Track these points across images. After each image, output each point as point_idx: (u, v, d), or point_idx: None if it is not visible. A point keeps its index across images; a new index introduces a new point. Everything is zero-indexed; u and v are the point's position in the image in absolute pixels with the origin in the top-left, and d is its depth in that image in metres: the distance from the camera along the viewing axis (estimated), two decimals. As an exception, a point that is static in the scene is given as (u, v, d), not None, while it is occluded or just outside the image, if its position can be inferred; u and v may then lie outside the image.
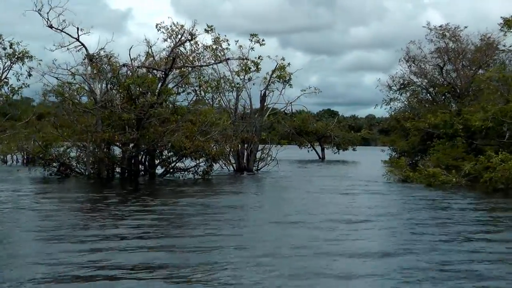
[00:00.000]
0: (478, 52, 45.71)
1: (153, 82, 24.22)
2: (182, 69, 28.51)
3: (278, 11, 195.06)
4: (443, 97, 48.52)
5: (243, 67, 33.43)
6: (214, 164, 25.82)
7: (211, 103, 32.56)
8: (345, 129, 63.46)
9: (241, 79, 33.69)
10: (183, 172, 26.05)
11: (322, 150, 59.98)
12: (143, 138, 23.84)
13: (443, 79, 48.69)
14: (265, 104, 33.80)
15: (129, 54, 26.11)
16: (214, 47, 31.37)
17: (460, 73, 47.01)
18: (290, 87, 34.45)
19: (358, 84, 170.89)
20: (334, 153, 59.82)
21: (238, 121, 32.02)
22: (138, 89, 24.93)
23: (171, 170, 26.00)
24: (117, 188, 21.90)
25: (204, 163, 25.92)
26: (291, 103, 34.15)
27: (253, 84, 33.88)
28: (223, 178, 27.70)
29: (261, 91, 33.61)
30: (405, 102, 48.85)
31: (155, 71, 26.90)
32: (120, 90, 24.81)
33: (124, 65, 25.28)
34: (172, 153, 25.39)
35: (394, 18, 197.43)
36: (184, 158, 25.73)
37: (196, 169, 25.75)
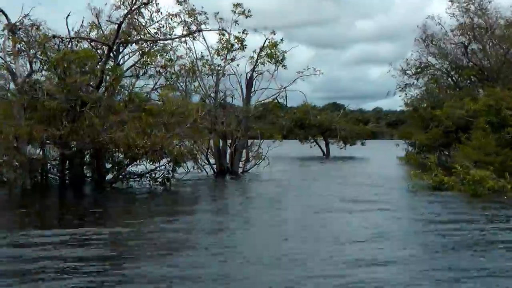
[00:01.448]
0: (510, 28, 38.88)
1: (89, 57, 17.58)
2: (141, 44, 21.98)
3: (283, 5, 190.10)
4: (468, 82, 41.55)
5: (224, 44, 26.75)
6: (177, 168, 19.15)
7: (184, 89, 25.89)
8: (352, 121, 56.50)
9: (222, 59, 27.06)
10: (137, 179, 19.49)
11: (327, 145, 53.13)
12: (75, 134, 17.24)
13: (467, 60, 41.88)
14: (252, 90, 27.09)
15: (67, 24, 19.60)
16: (186, 19, 24.71)
17: (488, 53, 40.18)
18: (284, 68, 27.71)
19: (364, 77, 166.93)
20: (340, 148, 52.97)
21: (216, 112, 25.30)
22: (76, 68, 18.32)
23: (122, 177, 19.42)
24: (31, 205, 15.33)
25: (165, 166, 19.32)
26: (285, 88, 27.38)
27: (237, 65, 27.21)
28: (194, 185, 21.11)
29: (247, 73, 26.92)
30: (422, 88, 42.03)
31: (104, 47, 20.35)
32: (47, 69, 18.24)
33: (54, 36, 18.67)
34: (121, 154, 18.76)
35: (400, 11, 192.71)
36: (139, 161, 19.09)
37: (153, 174, 19.15)
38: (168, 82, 24.31)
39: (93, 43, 20.30)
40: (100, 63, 18.35)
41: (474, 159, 31.17)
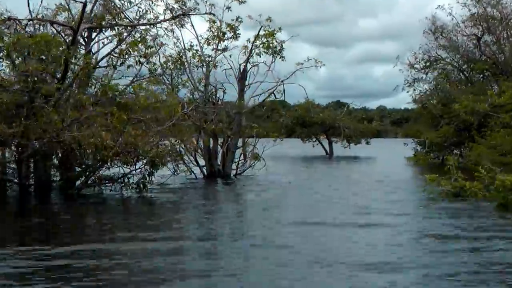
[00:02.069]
0: (526, 18, 36.08)
1: (48, 42, 14.92)
2: (119, 30, 19.38)
3: (286, 4, 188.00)
4: (482, 76, 38.73)
5: (215, 33, 24.07)
6: (154, 171, 16.46)
7: (170, 82, 23.26)
8: (357, 119, 53.64)
9: (212, 50, 24.40)
10: (108, 184, 16.85)
11: (330, 144, 50.36)
12: (32, 133, 14.58)
13: (480, 53, 39.11)
14: (246, 83, 24.41)
15: (28, 5, 17.00)
16: (174, 6, 22.08)
17: (503, 46, 37.39)
18: (282, 60, 25.03)
19: (368, 76, 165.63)
20: (344, 147, 50.21)
21: (206, 107, 22.60)
22: (35, 55, 15.66)
23: (92, 182, 16.77)
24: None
25: (141, 169, 16.66)
26: (282, 81, 24.64)
27: (230, 56, 24.52)
28: (177, 191, 18.46)
29: (240, 65, 24.23)
30: (432, 83, 39.21)
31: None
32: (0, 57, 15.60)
33: (9, 18, 16.04)
34: (90, 156, 16.08)
35: (404, 9, 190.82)
36: (111, 163, 16.42)
37: (127, 179, 16.48)
38: (152, 74, 21.79)
39: (59, 28, 17.64)
40: (64, 50, 15.66)
41: (489, 159, 28.44)
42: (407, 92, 39.53)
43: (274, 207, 14.11)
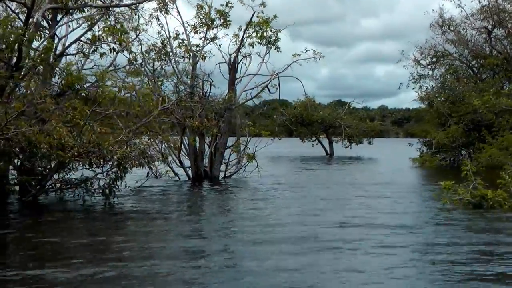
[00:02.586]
0: (541, 10, 33.67)
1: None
2: (90, 11, 17.01)
3: (288, 3, 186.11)
4: (492, 73, 36.27)
5: (203, 19, 21.72)
6: (123, 175, 14.04)
7: (152, 74, 20.91)
8: (358, 118, 51.16)
9: (200, 38, 22.06)
10: (70, 189, 14.46)
11: (330, 143, 47.95)
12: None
13: (491, 48, 36.75)
14: (237, 76, 22.05)
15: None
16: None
17: (515, 40, 34.97)
18: (277, 51, 22.70)
19: (369, 76, 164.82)
20: (345, 147, 47.83)
21: (191, 102, 20.19)
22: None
23: (50, 187, 14.39)
24: None
25: (108, 172, 14.26)
26: (277, 74, 22.26)
27: (219, 45, 22.17)
28: (152, 197, 16.08)
29: (230, 55, 21.87)
30: (439, 79, 36.74)
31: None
32: None
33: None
34: (43, 157, 13.65)
35: (405, 9, 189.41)
36: (72, 165, 14.03)
37: (90, 184, 14.06)
38: (132, 65, 19.50)
39: (14, 6, 15.27)
40: (15, 32, 13.28)
41: (499, 161, 26.10)
42: (413, 88, 37.15)
43: (258, 224, 11.67)
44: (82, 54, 17.16)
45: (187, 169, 21.06)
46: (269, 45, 22.48)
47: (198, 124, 18.16)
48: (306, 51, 22.89)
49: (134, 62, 19.84)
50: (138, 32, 19.20)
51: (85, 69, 17.27)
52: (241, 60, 21.93)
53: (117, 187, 14.10)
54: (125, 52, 19.11)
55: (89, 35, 17.16)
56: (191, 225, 11.60)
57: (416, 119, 52.17)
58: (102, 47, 17.29)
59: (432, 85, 36.69)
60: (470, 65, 37.44)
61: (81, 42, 17.15)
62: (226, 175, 21.71)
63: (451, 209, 13.19)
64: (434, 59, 37.66)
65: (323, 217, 12.23)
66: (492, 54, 35.42)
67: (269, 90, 22.34)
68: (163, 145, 18.95)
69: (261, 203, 14.91)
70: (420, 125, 39.94)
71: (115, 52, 17.45)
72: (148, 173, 17.10)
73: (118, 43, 17.24)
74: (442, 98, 35.07)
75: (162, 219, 12.20)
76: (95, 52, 17.33)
